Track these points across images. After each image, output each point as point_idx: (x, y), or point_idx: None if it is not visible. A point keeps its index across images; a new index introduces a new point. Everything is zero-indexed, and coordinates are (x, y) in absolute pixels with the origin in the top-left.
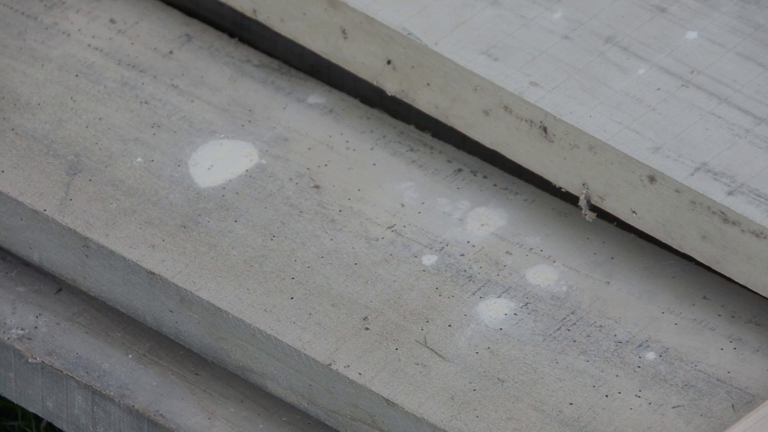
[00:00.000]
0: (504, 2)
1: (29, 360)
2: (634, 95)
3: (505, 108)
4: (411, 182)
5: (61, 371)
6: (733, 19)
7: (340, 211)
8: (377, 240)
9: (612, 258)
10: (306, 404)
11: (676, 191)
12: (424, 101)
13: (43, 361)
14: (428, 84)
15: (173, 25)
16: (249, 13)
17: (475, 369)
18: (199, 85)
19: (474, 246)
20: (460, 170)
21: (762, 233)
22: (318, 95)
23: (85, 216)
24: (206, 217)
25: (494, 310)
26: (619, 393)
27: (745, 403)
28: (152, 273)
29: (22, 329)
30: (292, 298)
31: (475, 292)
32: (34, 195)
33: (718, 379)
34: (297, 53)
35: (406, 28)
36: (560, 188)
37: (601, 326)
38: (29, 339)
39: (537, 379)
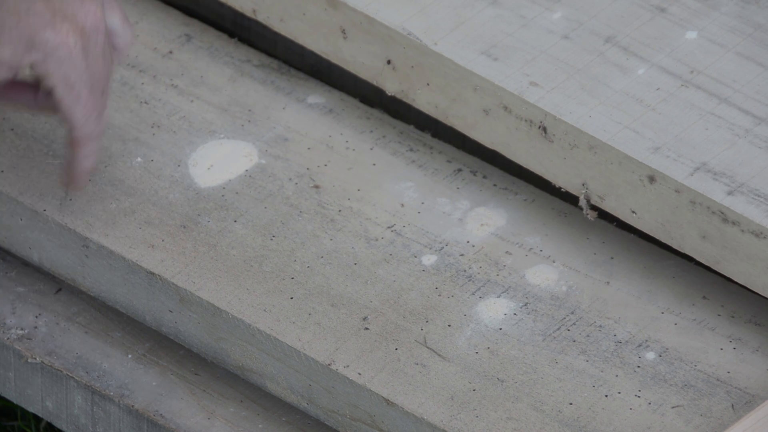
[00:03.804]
0: (504, 2)
1: (29, 360)
2: (634, 95)
3: (505, 108)
4: (411, 182)
5: (61, 371)
6: (733, 19)
7: (340, 211)
8: (377, 240)
9: (612, 258)
10: (306, 404)
11: (676, 191)
12: (424, 101)
13: (42, 361)
14: (428, 84)
15: (173, 25)
16: (249, 13)
17: (475, 369)
18: (199, 85)
19: (474, 246)
20: (459, 170)
21: (762, 233)
22: (318, 95)
23: (84, 216)
24: (206, 217)
25: (494, 310)
26: (619, 393)
27: (744, 403)
28: (152, 273)
29: (22, 329)
30: (291, 298)
31: (475, 292)
32: (34, 195)
33: (717, 379)
34: (297, 53)
35: (406, 28)
36: (560, 188)
37: (600, 326)
38: (29, 339)
39: (537, 379)
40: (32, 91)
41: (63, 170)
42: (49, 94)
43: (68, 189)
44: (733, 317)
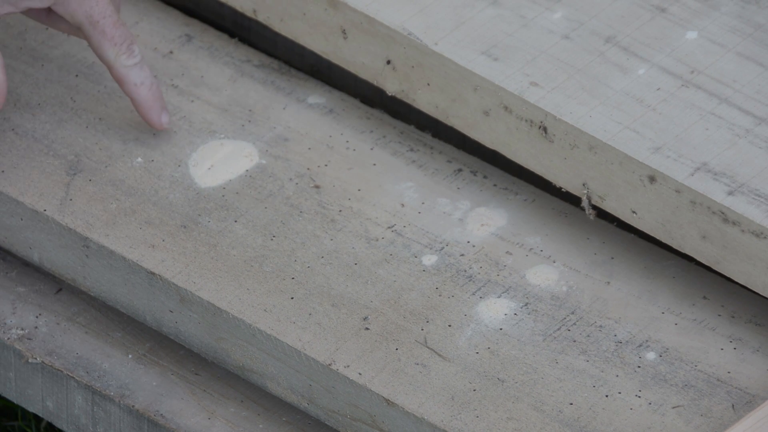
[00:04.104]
0: (504, 2)
1: (29, 360)
2: (634, 95)
3: (505, 108)
4: (411, 182)
5: (61, 371)
6: (733, 19)
7: (340, 211)
8: (377, 240)
9: (612, 258)
10: (306, 404)
11: (676, 191)
12: (424, 101)
13: (43, 361)
14: (428, 84)
15: (173, 25)
16: (249, 13)
17: (475, 369)
18: (199, 85)
19: (474, 246)
20: (460, 170)
21: (762, 233)
22: (318, 95)
23: (85, 216)
24: (206, 217)
25: (494, 310)
26: (619, 393)
27: (745, 403)
28: (152, 273)
29: (22, 329)
30: (292, 298)
31: (475, 292)
32: (34, 195)
33: (718, 379)
34: (297, 53)
35: (406, 28)
36: (560, 188)
37: (601, 326)
38: (29, 339)
39: (537, 379)
40: (44, 10)
41: (138, 112)
42: (76, 29)
43: (153, 126)
44: (733, 317)
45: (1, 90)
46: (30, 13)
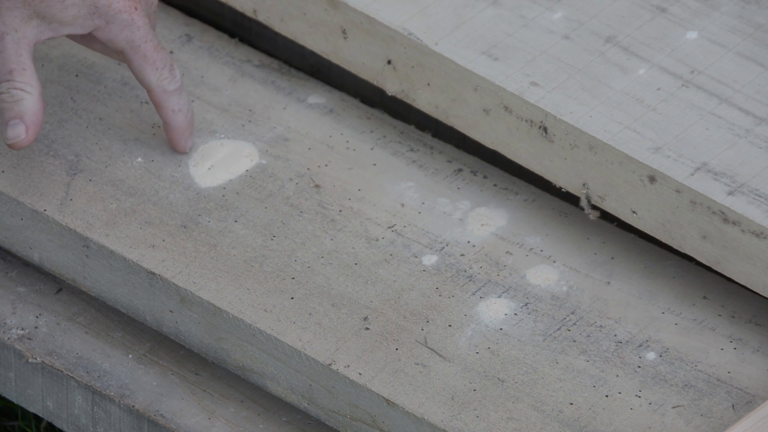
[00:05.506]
0: (504, 2)
1: (29, 360)
2: (634, 95)
3: (506, 108)
4: (411, 182)
5: (62, 371)
6: (733, 19)
7: (340, 211)
8: (377, 240)
9: (612, 258)
10: (306, 404)
11: (677, 191)
12: (424, 101)
13: (43, 361)
14: (428, 84)
15: (173, 25)
16: (249, 13)
17: (475, 369)
18: (199, 85)
19: (474, 246)
20: (460, 170)
21: (762, 233)
22: (318, 95)
23: (85, 216)
24: (206, 217)
25: (494, 310)
26: (620, 393)
27: (745, 403)
28: (152, 273)
29: (23, 329)
30: (292, 298)
31: (476, 292)
32: (34, 195)
33: (718, 379)
34: (297, 53)
35: (407, 28)
36: (560, 188)
37: (601, 326)
38: (29, 339)
39: (537, 379)
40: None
41: (167, 134)
42: (116, 52)
43: (178, 150)
44: (733, 317)
45: (36, 119)
46: (68, 36)
